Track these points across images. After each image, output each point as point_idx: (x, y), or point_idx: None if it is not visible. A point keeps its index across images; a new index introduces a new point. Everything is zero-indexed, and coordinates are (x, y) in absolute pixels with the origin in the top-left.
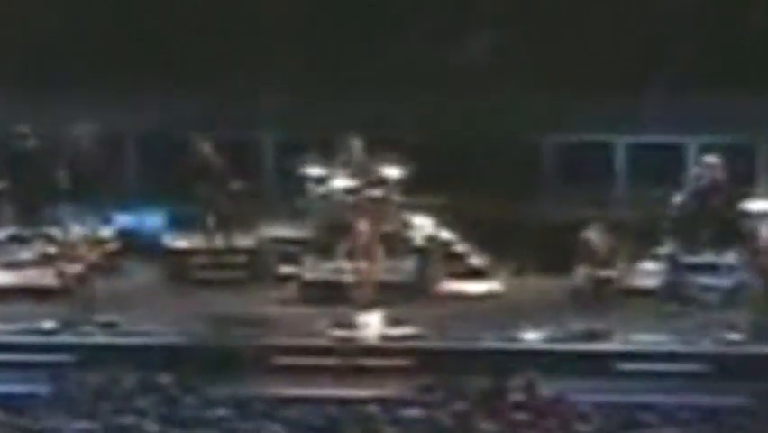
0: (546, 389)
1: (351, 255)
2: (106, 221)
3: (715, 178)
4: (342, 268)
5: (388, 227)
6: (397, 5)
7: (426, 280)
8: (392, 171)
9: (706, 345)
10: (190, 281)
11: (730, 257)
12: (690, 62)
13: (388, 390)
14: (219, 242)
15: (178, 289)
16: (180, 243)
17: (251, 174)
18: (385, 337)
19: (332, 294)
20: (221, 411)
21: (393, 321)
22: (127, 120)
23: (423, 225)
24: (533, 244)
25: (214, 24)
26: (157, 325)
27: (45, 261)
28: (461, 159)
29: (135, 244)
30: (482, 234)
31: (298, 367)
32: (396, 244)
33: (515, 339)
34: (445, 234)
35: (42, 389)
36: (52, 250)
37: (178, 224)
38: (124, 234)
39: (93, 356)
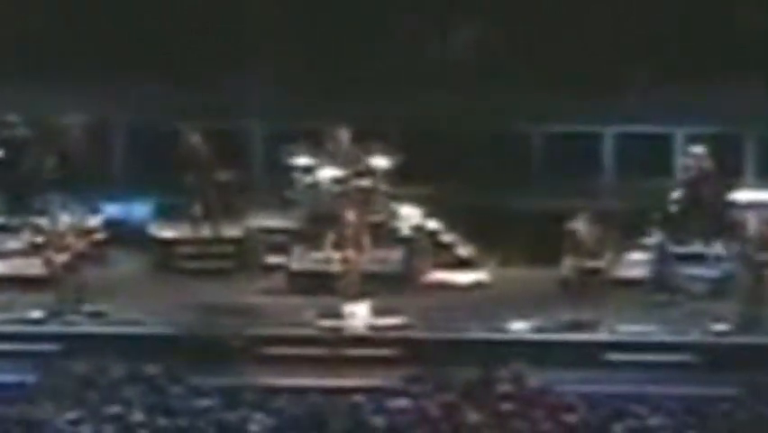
0: (534, 379)
1: (338, 245)
2: (94, 211)
3: (702, 168)
4: (330, 258)
5: (375, 218)
6: (386, 2)
7: (414, 270)
8: (380, 162)
9: (693, 336)
10: (178, 271)
11: (718, 248)
12: (678, 54)
13: (376, 380)
14: (206, 232)
15: (166, 278)
16: (168, 232)
17: (239, 164)
18: (372, 327)
19: (319, 284)
20: (207, 401)
21: (380, 311)
22: (115, 111)
23: (410, 216)
24: (520, 235)
25: (205, 17)
26: (144, 314)
27: (33, 250)
28: (448, 150)
29: (123, 234)
30: (469, 224)
31: (285, 357)
32: (383, 234)
33: (502, 330)
34: (433, 225)
35: (31, 378)
36: (40, 239)
37: (166, 214)
38: (112, 224)
39: (80, 346)
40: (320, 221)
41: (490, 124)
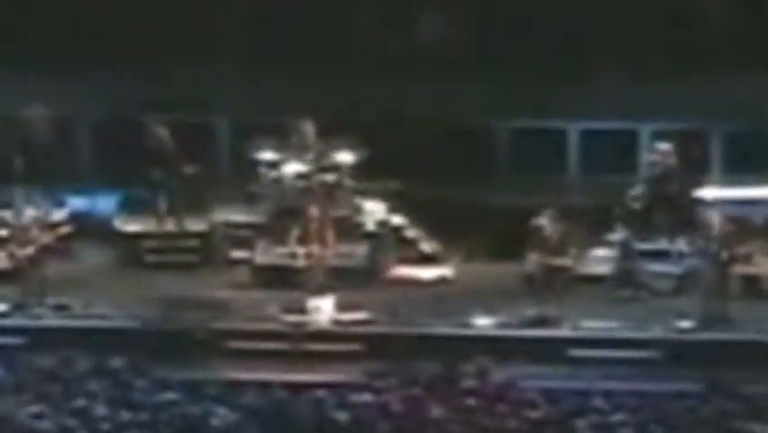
0: (498, 375)
1: (303, 240)
2: (59, 204)
3: (667, 165)
4: (294, 253)
5: (340, 212)
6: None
7: (378, 265)
8: (345, 157)
9: (657, 332)
10: (142, 265)
11: (682, 244)
12: (644, 50)
13: (339, 375)
14: (171, 225)
15: (130, 272)
16: (133, 226)
17: (204, 158)
18: (336, 322)
19: (283, 278)
20: (171, 395)
21: (344, 306)
22: (80, 103)
23: (375, 211)
24: (485, 230)
25: (169, 9)
26: (109, 308)
27: None
28: (413, 144)
29: (88, 228)
30: (434, 219)
31: (249, 351)
32: (348, 229)
33: (466, 325)
34: (397, 220)
35: None
36: (4, 232)
37: (131, 208)
38: (77, 218)
39: (44, 339)
40: (285, 216)
41: (455, 119)
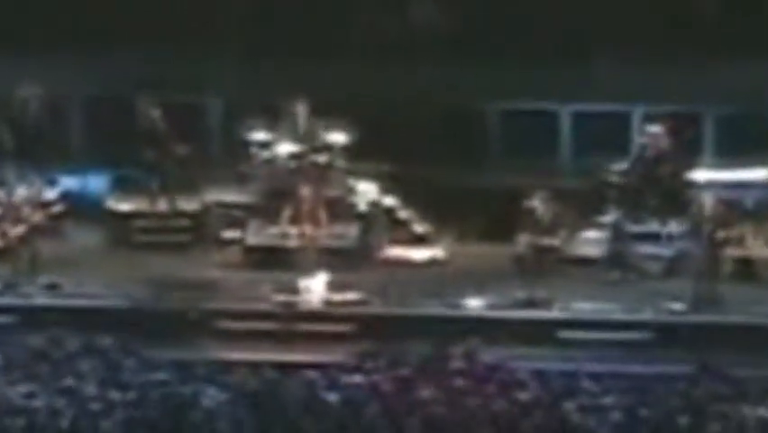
0: (487, 356)
1: (295, 220)
2: (51, 183)
3: (659, 147)
4: (286, 233)
5: (332, 193)
6: None
7: (370, 246)
8: (337, 137)
9: (648, 314)
10: (133, 244)
11: (674, 226)
12: (637, 32)
13: (330, 355)
14: (163, 205)
15: (122, 251)
16: (124, 206)
17: (196, 138)
18: (328, 303)
19: (275, 259)
20: (161, 375)
21: (336, 287)
22: (72, 83)
23: (367, 192)
24: (476, 212)
25: None
26: (99, 287)
27: None
28: (405, 126)
29: (79, 207)
30: (426, 200)
31: (240, 332)
32: (339, 209)
33: (457, 306)
34: (389, 201)
35: None
36: None
37: (123, 187)
38: (69, 197)
39: (35, 318)
40: (277, 196)
41: (447, 100)
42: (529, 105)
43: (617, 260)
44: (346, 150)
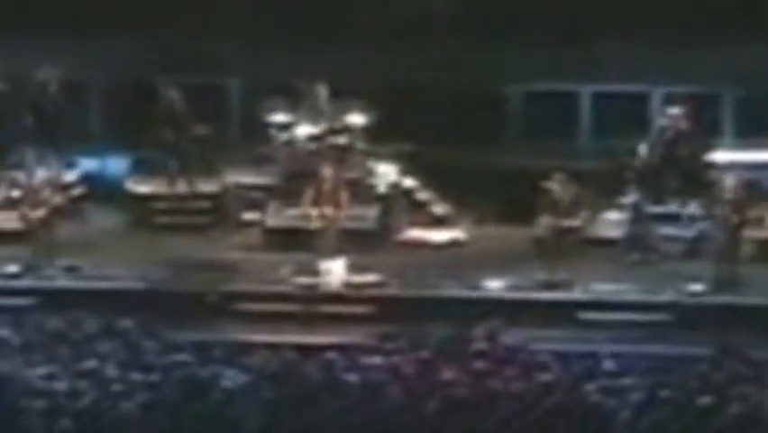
0: (508, 337)
1: (314, 202)
2: (70, 165)
3: (679, 128)
4: (306, 215)
5: (351, 175)
6: None
7: (389, 227)
8: (357, 119)
9: (668, 296)
10: (153, 226)
11: (694, 208)
12: (655, 13)
13: (350, 337)
14: (182, 187)
15: (141, 233)
16: (143, 188)
17: (216, 120)
18: (347, 285)
19: (294, 240)
20: (181, 356)
21: (356, 268)
22: (92, 65)
23: (386, 173)
24: (496, 193)
25: None
26: (119, 269)
27: (9, 204)
28: (425, 108)
29: (99, 189)
30: (446, 182)
31: (260, 313)
32: (359, 191)
33: (477, 288)
34: (409, 182)
35: (5, 333)
36: (16, 194)
37: (142, 169)
38: (88, 179)
39: (55, 300)
40: (296, 178)
41: (466, 81)
42: (549, 86)
43: (637, 241)
44: (366, 131)
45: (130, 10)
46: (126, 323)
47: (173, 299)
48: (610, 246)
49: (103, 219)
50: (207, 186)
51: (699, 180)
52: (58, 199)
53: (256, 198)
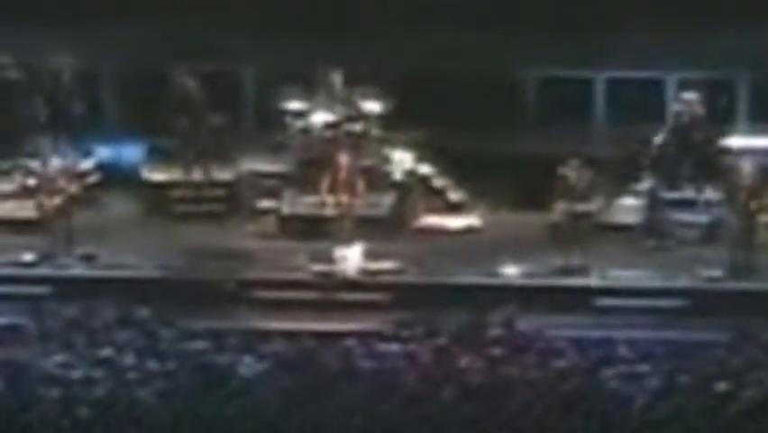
0: (524, 324)
1: (330, 190)
2: (86, 154)
3: (694, 114)
4: (322, 202)
5: (367, 162)
6: None
7: (405, 214)
8: (372, 106)
9: (684, 281)
10: (169, 214)
11: (709, 193)
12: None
13: (367, 324)
14: (198, 175)
15: (157, 222)
16: (159, 176)
17: (231, 108)
18: (364, 272)
19: (311, 228)
20: (198, 344)
21: (372, 256)
22: (108, 53)
23: (402, 160)
24: (511, 180)
25: None
26: (135, 258)
27: (25, 193)
28: (440, 94)
29: (115, 177)
30: (461, 169)
31: (276, 301)
32: (375, 178)
33: (493, 274)
34: (425, 169)
35: (22, 321)
36: (32, 182)
37: (158, 157)
38: (104, 167)
39: (71, 289)
40: (312, 165)
41: (481, 68)
42: (564, 72)
43: (653, 227)
44: (381, 118)
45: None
46: (142, 311)
47: (189, 287)
48: (626, 232)
49: (118, 207)
50: (223, 174)
51: (714, 166)
52: (73, 188)
53: (272, 186)
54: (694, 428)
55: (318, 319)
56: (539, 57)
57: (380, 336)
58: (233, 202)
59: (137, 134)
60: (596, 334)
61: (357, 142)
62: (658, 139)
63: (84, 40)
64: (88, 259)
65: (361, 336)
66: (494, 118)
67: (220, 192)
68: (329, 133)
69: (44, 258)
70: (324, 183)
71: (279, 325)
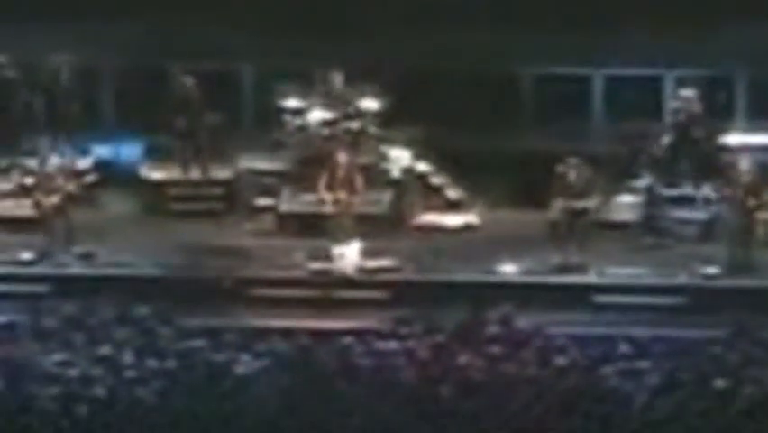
0: (523, 322)
1: (328, 188)
2: (84, 152)
3: (692, 111)
4: (319, 200)
5: (365, 160)
6: None
7: (403, 212)
8: (370, 104)
9: (682, 278)
10: (167, 213)
11: (708, 190)
12: None
13: (365, 322)
14: (196, 173)
15: (155, 220)
16: (157, 174)
17: (229, 106)
18: (361, 269)
19: (308, 226)
20: (196, 343)
21: (370, 253)
22: (105, 51)
23: (400, 158)
24: (509, 177)
25: None
26: (133, 256)
27: (22, 191)
28: (438, 91)
29: (113, 176)
30: (459, 166)
31: (274, 299)
32: (373, 176)
33: (491, 272)
34: (422, 167)
35: (19, 320)
36: (29, 181)
37: (156, 155)
38: (102, 166)
39: (69, 287)
40: (310, 163)
41: (479, 65)
42: (562, 69)
43: (651, 224)
44: (379, 116)
45: None
46: (141, 309)
47: (187, 285)
48: (624, 230)
49: (116, 206)
50: (221, 172)
51: (712, 163)
52: (71, 186)
53: (269, 184)
54: (693, 426)
55: (316, 317)
56: (537, 54)
57: (379, 334)
58: (231, 200)
59: (135, 133)
60: (594, 331)
61: (355, 140)
62: (656, 136)
63: (82, 38)
64: (87, 257)
65: (359, 333)
66: (492, 116)
67: (218, 190)
68: (327, 131)
69: (42, 256)
70: (322, 181)
71: (277, 322)
